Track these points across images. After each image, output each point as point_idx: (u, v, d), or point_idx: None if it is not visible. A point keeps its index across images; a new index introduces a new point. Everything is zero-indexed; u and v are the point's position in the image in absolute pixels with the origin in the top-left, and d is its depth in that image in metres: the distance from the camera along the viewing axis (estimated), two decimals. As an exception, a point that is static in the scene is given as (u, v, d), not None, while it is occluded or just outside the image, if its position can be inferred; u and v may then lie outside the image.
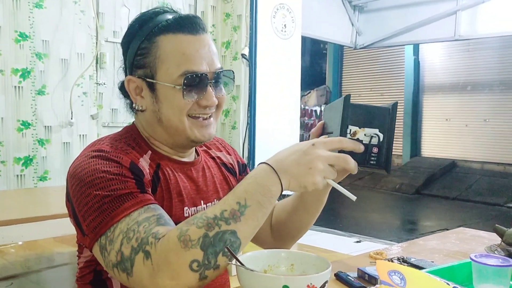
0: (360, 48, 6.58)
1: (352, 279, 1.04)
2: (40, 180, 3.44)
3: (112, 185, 0.90)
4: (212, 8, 4.36)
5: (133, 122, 1.12)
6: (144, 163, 1.00)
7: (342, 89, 12.17)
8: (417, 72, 10.54)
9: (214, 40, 4.42)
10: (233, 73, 1.10)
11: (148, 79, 1.02)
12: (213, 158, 1.21)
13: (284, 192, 0.91)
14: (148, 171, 1.00)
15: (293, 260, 0.96)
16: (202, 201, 1.09)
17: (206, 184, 1.12)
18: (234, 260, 0.88)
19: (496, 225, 1.28)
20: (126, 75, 1.07)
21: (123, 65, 1.09)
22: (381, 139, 0.95)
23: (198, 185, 1.10)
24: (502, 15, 5.05)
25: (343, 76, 12.18)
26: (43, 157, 3.46)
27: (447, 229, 5.14)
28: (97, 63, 3.74)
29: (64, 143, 3.57)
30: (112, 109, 3.86)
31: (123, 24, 3.90)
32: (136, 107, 1.05)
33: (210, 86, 1.02)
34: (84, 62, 3.65)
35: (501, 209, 7.66)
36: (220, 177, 1.18)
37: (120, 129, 1.11)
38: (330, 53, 12.15)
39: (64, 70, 3.57)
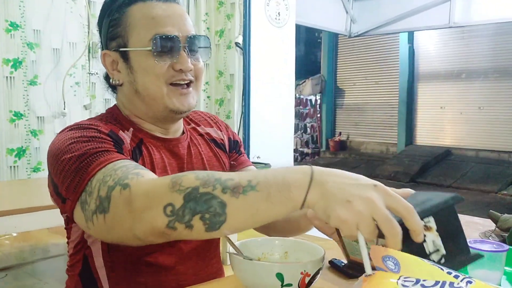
0: (354, 36, 6.57)
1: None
2: (34, 171, 3.43)
3: (88, 145, 0.87)
4: (205, -4, 4.33)
5: (114, 104, 1.11)
6: (125, 135, 1.00)
7: (337, 78, 12.16)
8: (411, 60, 10.54)
9: (208, 28, 4.37)
10: (209, 40, 1.08)
11: (121, 49, 1.01)
12: (201, 135, 1.18)
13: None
14: (129, 141, 0.99)
15: (287, 248, 0.96)
16: None
17: (191, 161, 1.10)
18: (229, 247, 0.88)
19: (491, 211, 1.28)
20: (102, 49, 1.07)
21: (100, 45, 1.09)
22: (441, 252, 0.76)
23: (183, 162, 1.08)
24: (496, 2, 5.05)
25: (338, 65, 12.16)
26: (36, 148, 3.44)
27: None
28: (89, 52, 3.71)
29: (57, 133, 3.55)
30: (105, 99, 3.84)
31: (115, 13, 3.87)
32: (113, 82, 1.04)
33: (184, 50, 1.00)
34: (76, 51, 3.61)
35: (496, 196, 7.71)
36: (209, 154, 1.16)
37: None
38: (324, 42, 12.11)
39: (56, 60, 3.53)
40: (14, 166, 3.35)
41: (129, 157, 0.93)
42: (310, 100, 12.14)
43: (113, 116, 1.05)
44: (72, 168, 0.84)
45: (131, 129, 1.03)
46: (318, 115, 12.14)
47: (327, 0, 6.02)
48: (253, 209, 0.71)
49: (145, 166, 0.95)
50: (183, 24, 1.02)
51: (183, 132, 1.14)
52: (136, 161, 0.96)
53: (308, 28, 7.34)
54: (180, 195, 0.72)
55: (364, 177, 0.72)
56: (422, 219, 0.69)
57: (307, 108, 12.15)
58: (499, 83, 9.32)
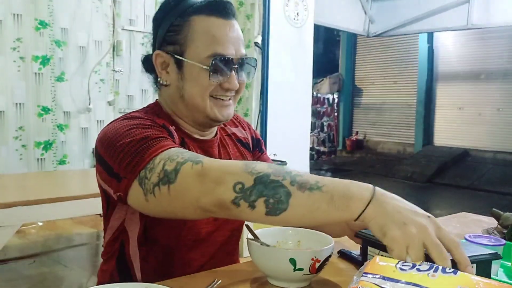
0: (372, 37, 6.58)
1: (356, 255, 1.10)
2: (59, 163, 3.56)
3: (148, 131, 0.94)
4: (226, -3, 4.41)
5: (156, 100, 1.16)
6: (172, 130, 1.05)
7: (355, 77, 12.14)
8: (431, 60, 10.46)
9: (228, 28, 4.46)
10: (256, 61, 1.14)
11: (176, 56, 1.06)
12: (229, 135, 1.25)
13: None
14: (176, 137, 1.05)
15: (300, 237, 1.05)
16: None
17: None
18: (248, 234, 0.97)
19: (493, 209, 1.34)
20: (153, 50, 1.11)
21: (152, 40, 1.13)
22: None
23: None
24: (515, 4, 5.04)
25: (356, 64, 12.13)
26: (62, 141, 3.57)
27: (457, 217, 5.16)
28: (114, 50, 3.83)
29: (82, 128, 3.68)
30: (128, 95, 3.96)
31: (139, 13, 3.98)
32: (161, 82, 1.10)
33: (234, 70, 1.07)
34: (101, 49, 3.74)
35: (513, 198, 7.65)
36: (236, 153, 1.23)
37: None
38: (343, 40, 12.09)
39: (82, 58, 3.66)
40: (41, 159, 3.49)
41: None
42: (328, 98, 12.13)
43: (156, 112, 1.10)
44: (133, 150, 0.91)
45: (172, 127, 1.08)
46: (335, 114, 12.13)
47: (346, 1, 6.05)
48: (314, 206, 0.77)
49: None
50: (239, 45, 1.07)
51: (216, 134, 1.20)
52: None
53: (326, 27, 7.36)
54: (252, 177, 0.80)
55: (419, 208, 0.78)
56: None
57: (325, 106, 12.14)
58: (518, 85, 9.24)
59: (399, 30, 6.20)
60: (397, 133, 11.28)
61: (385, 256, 0.78)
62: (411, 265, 0.73)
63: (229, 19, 1.07)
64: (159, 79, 1.11)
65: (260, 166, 0.82)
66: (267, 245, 0.97)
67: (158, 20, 1.11)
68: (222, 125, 1.25)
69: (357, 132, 12.00)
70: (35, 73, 3.44)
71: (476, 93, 9.88)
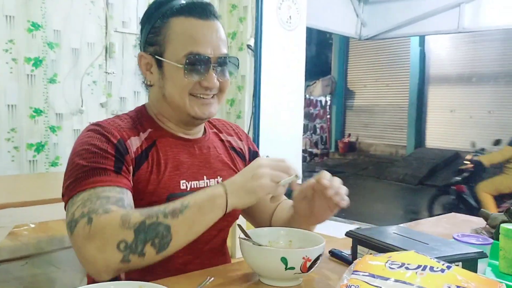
0: (364, 40, 6.62)
1: (346, 255, 1.12)
2: (52, 165, 3.55)
3: (92, 157, 0.99)
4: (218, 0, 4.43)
5: (144, 103, 1.20)
6: (135, 141, 1.07)
7: (348, 79, 12.20)
8: (422, 63, 10.54)
9: (221, 30, 4.46)
10: (238, 60, 1.16)
11: (156, 56, 1.09)
12: (221, 140, 1.27)
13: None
14: (135, 149, 1.06)
15: (291, 237, 1.06)
16: (205, 177, 1.15)
17: (209, 161, 1.18)
18: (240, 234, 0.99)
19: (482, 209, 1.37)
20: (140, 50, 1.15)
21: (138, 45, 1.17)
22: None
23: (200, 161, 1.16)
24: (505, 8, 5.08)
25: (348, 67, 12.20)
26: (55, 143, 3.56)
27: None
28: (106, 52, 3.83)
29: (74, 130, 3.67)
30: (121, 97, 3.96)
31: (132, 15, 3.98)
32: (145, 82, 1.14)
33: (213, 69, 1.08)
34: (94, 51, 3.74)
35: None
36: (227, 157, 1.24)
37: None
38: (335, 43, 12.16)
39: (75, 59, 3.66)
40: (33, 160, 3.48)
41: (125, 175, 1.01)
42: (320, 101, 12.18)
43: (137, 116, 1.14)
44: (74, 173, 0.98)
45: (149, 130, 1.12)
46: (328, 116, 12.18)
47: (338, 4, 6.07)
48: (191, 222, 0.92)
49: (150, 166, 1.07)
50: (217, 44, 1.09)
51: (204, 133, 1.22)
52: (139, 166, 1.06)
53: (318, 30, 7.39)
54: (131, 231, 0.88)
55: (252, 163, 0.98)
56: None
57: (317, 109, 12.19)
58: (509, 87, 9.32)
59: (391, 33, 6.24)
60: (389, 135, 11.35)
61: (375, 255, 0.80)
62: (400, 263, 0.75)
63: (208, 19, 1.09)
64: (144, 79, 1.15)
65: (134, 217, 0.89)
66: (259, 245, 0.98)
67: (143, 23, 1.15)
68: (216, 131, 1.28)
69: (349, 134, 12.06)
70: (28, 74, 3.43)
71: (467, 95, 9.97)
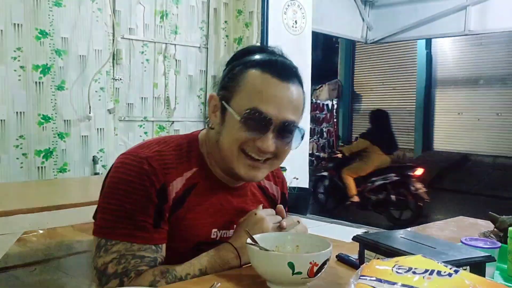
0: (370, 43, 6.62)
1: (353, 259, 1.12)
2: (60, 171, 3.57)
3: (134, 202, 0.99)
4: (224, 5, 4.45)
5: (200, 131, 1.17)
6: (177, 184, 1.05)
7: (354, 83, 12.17)
8: (429, 66, 10.50)
9: (227, 36, 4.49)
10: (303, 131, 1.08)
11: (223, 102, 1.06)
12: (261, 187, 1.24)
13: None
14: (174, 194, 1.04)
15: (298, 242, 1.06)
16: (235, 226, 1.12)
17: (243, 210, 1.14)
18: (247, 239, 0.99)
19: (490, 212, 1.36)
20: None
21: (217, 82, 1.14)
22: None
23: (235, 210, 1.14)
24: (511, 10, 5.07)
25: (355, 70, 12.17)
26: (63, 149, 3.58)
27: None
28: (113, 59, 3.85)
29: (82, 136, 3.70)
30: (128, 103, 3.98)
31: (139, 22, 4.01)
32: (208, 124, 1.11)
33: (273, 132, 1.02)
34: (101, 58, 3.76)
35: (513, 203, 7.65)
36: (265, 203, 1.21)
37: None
38: (342, 47, 12.14)
39: (82, 66, 3.68)
40: (42, 167, 3.50)
41: (163, 229, 1.03)
42: (327, 105, 12.16)
43: (188, 148, 1.11)
44: (113, 213, 1.01)
45: (195, 169, 1.09)
46: (335, 120, 12.15)
47: (343, 8, 6.08)
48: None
49: (183, 215, 1.06)
50: (286, 106, 1.03)
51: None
52: (175, 212, 1.04)
53: (325, 34, 7.40)
54: None
55: (249, 218, 1.08)
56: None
57: (324, 113, 12.17)
58: (517, 89, 9.27)
59: (397, 36, 6.24)
60: (396, 138, 11.29)
61: (382, 260, 0.80)
62: (407, 268, 0.75)
63: (285, 81, 1.04)
64: (207, 120, 1.13)
65: (161, 286, 0.95)
66: (266, 250, 0.98)
67: (227, 64, 1.12)
68: None
69: (356, 138, 12.00)
70: (36, 82, 3.46)
71: (475, 98, 9.91)
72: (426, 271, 0.74)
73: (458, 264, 0.86)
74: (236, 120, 1.02)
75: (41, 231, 3.57)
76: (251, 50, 1.11)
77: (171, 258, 1.04)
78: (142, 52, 4.05)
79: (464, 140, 10.13)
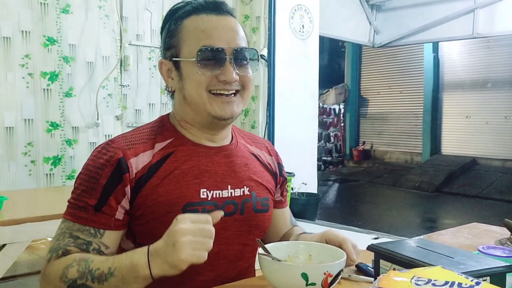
0: (378, 47, 6.59)
1: (371, 269, 1.09)
2: (68, 178, 3.57)
3: (84, 183, 1.01)
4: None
5: (169, 112, 1.17)
6: (143, 158, 1.04)
7: (361, 87, 12.14)
8: (436, 69, 10.45)
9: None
10: (256, 52, 1.10)
11: (173, 59, 1.07)
12: (251, 153, 1.20)
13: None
14: (140, 167, 1.02)
15: (311, 251, 1.04)
16: (229, 186, 1.09)
17: (235, 170, 1.12)
18: (259, 249, 0.97)
19: (506, 219, 1.33)
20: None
21: (160, 54, 1.15)
22: None
23: (225, 170, 1.10)
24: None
25: (361, 74, 12.14)
26: (71, 156, 3.59)
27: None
28: (121, 65, 3.86)
29: (90, 143, 3.70)
30: (136, 109, 3.98)
31: (146, 28, 4.02)
32: (167, 89, 1.13)
33: (230, 62, 1.04)
34: (109, 64, 3.77)
35: (523, 206, 7.58)
36: (256, 168, 1.17)
37: None
38: (348, 51, 12.12)
39: (90, 73, 3.69)
40: (50, 174, 3.50)
41: (106, 212, 1.00)
42: (334, 109, 12.14)
43: (160, 125, 1.11)
44: (72, 194, 1.04)
45: (170, 140, 1.08)
46: (342, 124, 12.12)
47: (351, 12, 6.07)
48: None
49: (158, 182, 1.03)
50: (232, 36, 1.05)
51: (231, 141, 1.16)
52: (145, 184, 1.02)
53: (331, 38, 7.40)
54: (65, 285, 0.92)
55: (172, 225, 0.88)
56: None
57: (331, 117, 12.14)
58: (525, 92, 9.20)
59: (404, 40, 6.22)
60: (404, 142, 11.25)
61: (400, 271, 0.78)
62: (426, 280, 0.73)
63: (221, 14, 1.07)
64: (166, 87, 1.14)
65: (71, 273, 0.92)
66: (279, 260, 0.96)
67: (161, 31, 1.15)
68: (245, 143, 1.21)
69: (364, 142, 11.97)
70: (44, 89, 3.47)
71: (482, 101, 9.85)
72: (447, 283, 0.72)
73: (479, 275, 0.84)
74: (192, 65, 1.04)
75: (49, 239, 3.57)
76: (177, 7, 1.12)
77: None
78: (150, 58, 4.05)
79: (472, 144, 10.06)
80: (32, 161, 3.43)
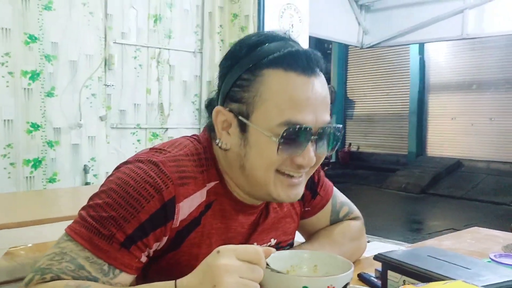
0: (366, 48, 6.58)
1: (375, 280, 1.03)
2: (49, 181, 3.46)
3: (115, 207, 0.81)
4: (219, 9, 4.37)
5: (205, 134, 0.97)
6: (193, 202, 0.88)
7: (347, 89, 12.17)
8: (422, 71, 10.53)
9: (222, 40, 4.41)
10: (343, 130, 0.92)
11: (241, 117, 0.86)
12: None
13: None
14: (187, 214, 0.87)
15: (316, 261, 0.95)
16: (255, 243, 0.98)
17: (262, 225, 1.01)
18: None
19: (513, 224, 1.28)
20: (217, 102, 0.91)
21: (216, 89, 0.93)
22: None
23: (255, 229, 1.00)
24: (509, 14, 5.04)
25: (348, 76, 12.18)
26: (52, 158, 3.47)
27: (454, 229, 5.11)
28: (105, 64, 3.75)
29: (73, 144, 3.59)
30: (121, 110, 3.88)
31: (132, 26, 3.91)
32: (219, 144, 0.90)
33: (312, 142, 0.85)
34: (93, 63, 3.66)
35: (508, 208, 7.64)
36: (285, 209, 1.06)
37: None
38: (334, 53, 12.15)
39: (73, 72, 3.58)
40: (30, 177, 3.38)
41: (136, 254, 0.82)
42: (320, 111, 12.15)
43: (206, 156, 0.92)
44: (89, 209, 0.83)
45: (216, 182, 0.92)
46: (328, 126, 12.14)
47: (340, 12, 6.04)
48: None
49: (197, 241, 0.90)
50: (322, 109, 0.85)
51: None
52: (187, 236, 0.88)
53: (318, 39, 7.36)
54: None
55: (210, 258, 0.73)
56: None
57: (317, 119, 12.16)
58: (510, 94, 9.29)
59: (394, 41, 6.21)
60: (390, 144, 11.30)
61: (417, 285, 0.71)
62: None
63: (313, 75, 0.85)
64: (218, 140, 0.90)
65: None
66: (278, 272, 0.88)
67: (225, 68, 0.90)
68: None
69: (350, 144, 11.99)
70: (24, 88, 3.35)
71: (468, 103, 9.93)
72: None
73: None
74: (267, 139, 0.83)
75: (29, 245, 3.45)
76: (254, 44, 0.87)
77: None
78: (135, 57, 3.95)
79: (457, 145, 10.14)
80: (11, 164, 3.31)
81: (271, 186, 0.87)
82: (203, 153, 0.92)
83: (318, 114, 0.84)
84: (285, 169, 0.87)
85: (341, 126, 0.91)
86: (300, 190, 0.91)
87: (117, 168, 0.90)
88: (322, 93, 0.86)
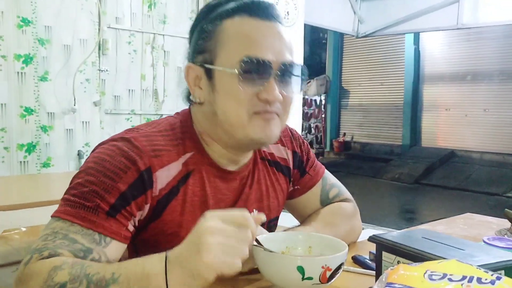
0: (362, 37, 6.57)
1: (370, 262, 1.04)
2: (43, 166, 3.44)
3: (96, 182, 0.84)
4: (214, -5, 4.35)
5: (189, 109, 1.02)
6: (169, 172, 0.91)
7: (342, 78, 12.16)
8: (417, 61, 10.53)
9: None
10: (307, 69, 0.95)
11: (206, 65, 0.91)
12: (262, 158, 1.09)
13: None
14: (165, 183, 0.90)
15: (311, 243, 0.97)
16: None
17: (246, 194, 1.03)
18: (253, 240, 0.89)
19: (507, 209, 1.29)
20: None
21: (187, 57, 0.99)
22: None
23: (238, 197, 1.02)
24: (505, 3, 5.04)
25: (343, 65, 12.16)
26: (46, 143, 3.46)
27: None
28: (99, 49, 3.72)
29: (67, 129, 3.57)
30: (115, 95, 3.85)
31: (126, 10, 3.88)
32: (193, 99, 0.96)
33: (275, 78, 0.89)
34: (87, 48, 3.63)
35: (500, 198, 7.70)
36: (266, 184, 1.08)
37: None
38: (330, 42, 12.12)
39: (67, 56, 3.55)
40: (24, 161, 3.37)
41: (122, 221, 0.85)
42: (315, 100, 12.14)
43: (182, 130, 0.97)
44: (71, 191, 0.85)
45: (192, 153, 0.95)
46: (323, 116, 12.15)
47: (335, 0, 6.02)
48: None
49: (180, 209, 0.93)
50: (280, 48, 0.90)
51: (248, 162, 1.04)
52: (167, 204, 0.91)
53: (313, 28, 7.35)
54: None
55: (197, 224, 0.73)
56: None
57: (312, 108, 12.16)
58: (504, 85, 9.32)
59: (389, 30, 6.20)
60: (384, 134, 11.33)
61: (410, 265, 0.71)
62: (442, 274, 0.67)
63: (269, 20, 0.91)
64: (191, 96, 0.96)
65: (60, 276, 0.73)
66: (271, 251, 0.88)
67: (191, 31, 0.98)
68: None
69: (344, 134, 12.02)
70: (18, 72, 3.32)
71: (462, 94, 9.96)
72: (464, 277, 0.65)
73: (494, 268, 0.78)
74: (231, 77, 0.88)
75: (23, 229, 3.45)
76: (215, 4, 0.95)
77: None
78: (129, 43, 3.92)
79: (451, 136, 10.19)
80: (5, 148, 3.29)
81: (247, 127, 0.90)
82: (179, 127, 0.97)
83: (278, 52, 0.89)
84: (256, 108, 0.89)
85: (305, 66, 0.95)
86: (276, 130, 0.93)
87: (93, 150, 0.93)
88: (281, 36, 0.91)
